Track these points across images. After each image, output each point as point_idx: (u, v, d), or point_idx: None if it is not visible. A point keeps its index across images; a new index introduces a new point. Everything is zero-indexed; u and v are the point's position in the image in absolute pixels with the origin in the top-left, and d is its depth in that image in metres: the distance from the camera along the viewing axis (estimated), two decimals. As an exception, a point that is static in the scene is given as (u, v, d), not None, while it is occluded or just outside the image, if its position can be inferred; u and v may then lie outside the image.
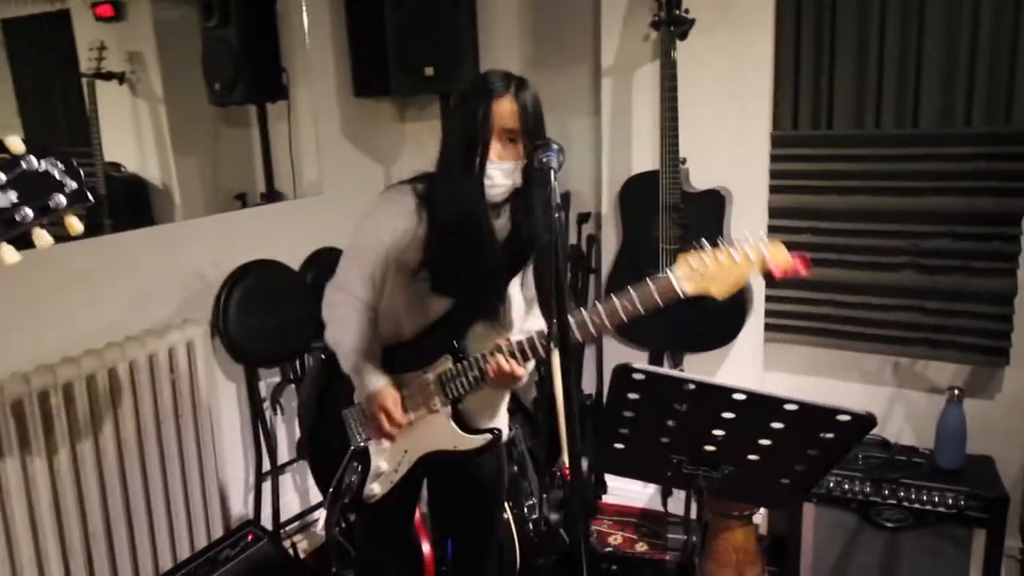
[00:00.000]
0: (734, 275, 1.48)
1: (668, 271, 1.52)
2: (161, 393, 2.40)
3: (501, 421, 1.93)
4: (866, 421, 1.23)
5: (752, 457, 1.34)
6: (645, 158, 2.85)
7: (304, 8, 3.04)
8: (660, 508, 3.09)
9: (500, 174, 1.64)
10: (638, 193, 2.80)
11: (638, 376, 1.23)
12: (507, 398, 1.96)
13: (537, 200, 1.60)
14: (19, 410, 2.05)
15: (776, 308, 2.85)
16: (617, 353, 3.04)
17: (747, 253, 1.46)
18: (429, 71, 2.88)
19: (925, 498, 2.41)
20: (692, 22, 2.60)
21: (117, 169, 3.12)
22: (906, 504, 2.43)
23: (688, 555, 1.39)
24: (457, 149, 1.65)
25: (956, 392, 2.47)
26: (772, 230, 2.79)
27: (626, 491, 3.18)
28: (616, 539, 3.05)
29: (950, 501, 2.38)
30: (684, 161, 2.70)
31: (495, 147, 1.62)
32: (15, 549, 2.08)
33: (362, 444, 1.85)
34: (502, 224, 1.73)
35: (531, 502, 2.70)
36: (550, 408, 3.08)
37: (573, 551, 1.25)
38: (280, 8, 3.07)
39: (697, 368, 2.89)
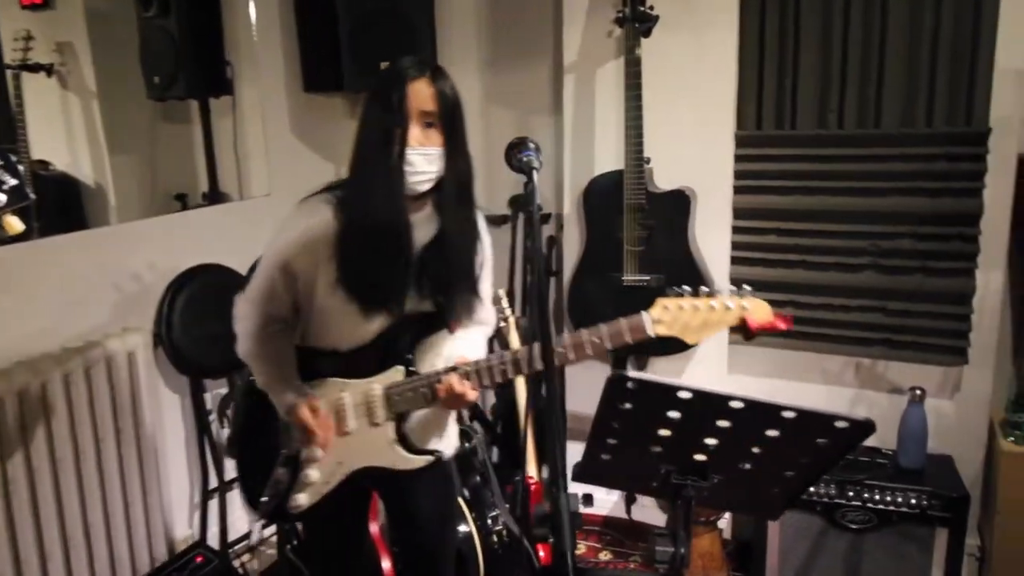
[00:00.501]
0: (709, 324, 1.47)
1: (643, 313, 1.50)
2: (100, 407, 2.24)
3: (447, 441, 1.83)
4: (864, 427, 1.20)
5: (744, 466, 1.29)
6: (608, 158, 2.79)
7: (251, -2, 2.90)
8: (624, 516, 3.05)
9: (422, 160, 1.55)
10: (601, 194, 2.74)
11: (632, 385, 1.17)
12: (453, 427, 1.86)
13: (449, 194, 1.58)
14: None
15: (740, 310, 2.83)
16: (580, 357, 2.97)
17: (726, 304, 1.45)
18: (384, 66, 2.76)
19: (888, 499, 2.41)
20: (656, 19, 2.56)
21: (45, 167, 2.91)
22: (870, 505, 2.43)
23: (677, 568, 1.34)
24: (373, 139, 1.56)
25: (917, 392, 2.48)
26: (736, 231, 2.78)
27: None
28: (580, 548, 2.99)
29: (913, 501, 2.39)
30: (648, 161, 2.65)
31: (414, 132, 1.53)
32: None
33: (295, 449, 1.73)
34: (427, 217, 1.64)
35: (494, 513, 2.63)
36: (512, 416, 3.02)
37: (558, 566, 1.18)
38: (224, -3, 2.92)
39: (662, 372, 2.85)
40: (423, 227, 1.63)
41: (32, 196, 0.96)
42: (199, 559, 2.15)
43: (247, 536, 2.86)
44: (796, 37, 2.58)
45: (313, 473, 1.72)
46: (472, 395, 1.58)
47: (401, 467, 1.69)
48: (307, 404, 1.65)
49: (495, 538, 2.58)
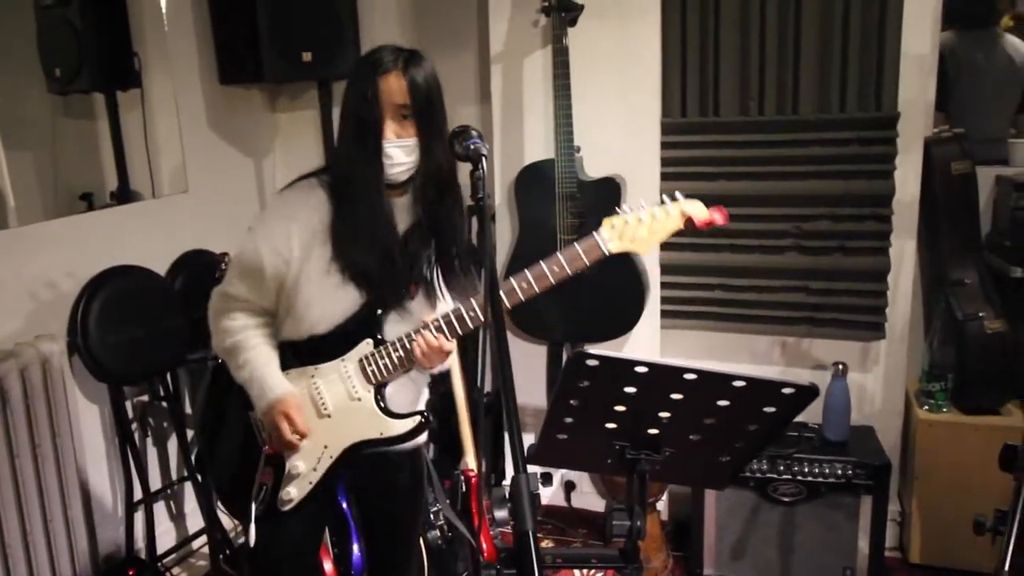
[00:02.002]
0: (657, 231, 1.54)
1: (593, 233, 1.55)
2: (14, 419, 2.09)
3: (424, 406, 1.84)
4: (807, 392, 1.25)
5: (694, 437, 1.33)
6: (538, 147, 2.80)
7: (160, -15, 2.77)
8: (564, 504, 3.07)
9: (400, 152, 1.57)
10: (533, 183, 2.75)
11: (592, 363, 1.18)
12: (426, 387, 1.86)
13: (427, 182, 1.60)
14: None
15: (671, 295, 2.89)
16: (517, 348, 2.98)
17: (667, 210, 1.53)
18: (307, 56, 2.69)
19: (816, 471, 2.51)
20: (582, 8, 2.58)
21: (-66, 167, 2.70)
22: (799, 478, 2.52)
23: (633, 540, 1.36)
24: (351, 131, 1.59)
25: (840, 367, 2.59)
26: (665, 217, 2.82)
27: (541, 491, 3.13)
28: (522, 538, 2.98)
29: (839, 472, 2.49)
30: (578, 149, 2.67)
31: (390, 125, 1.55)
32: None
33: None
34: (407, 203, 1.66)
35: (435, 508, 2.60)
36: (448, 410, 2.99)
37: (520, 546, 1.17)
38: (130, -16, 2.77)
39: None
40: (404, 213, 1.65)
41: None
42: (131, 573, 2.03)
43: (177, 548, 2.73)
44: (716, 27, 2.65)
45: (300, 464, 1.69)
46: (449, 345, 1.60)
47: (389, 434, 1.67)
48: (282, 412, 1.62)
49: (437, 533, 2.55)
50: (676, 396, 1.19)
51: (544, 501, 3.14)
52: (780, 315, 2.79)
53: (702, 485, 2.39)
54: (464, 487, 2.77)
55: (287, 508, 1.70)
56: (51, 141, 3.01)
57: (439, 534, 2.56)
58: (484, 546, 2.60)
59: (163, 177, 2.96)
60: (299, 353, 1.68)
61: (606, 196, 2.68)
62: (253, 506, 1.67)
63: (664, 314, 2.90)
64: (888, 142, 2.55)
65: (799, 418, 2.68)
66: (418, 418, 1.69)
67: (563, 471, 3.08)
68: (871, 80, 2.53)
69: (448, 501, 2.67)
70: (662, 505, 2.94)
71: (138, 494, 2.54)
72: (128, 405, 2.55)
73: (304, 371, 1.68)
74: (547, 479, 3.03)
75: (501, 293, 1.53)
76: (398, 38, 3.10)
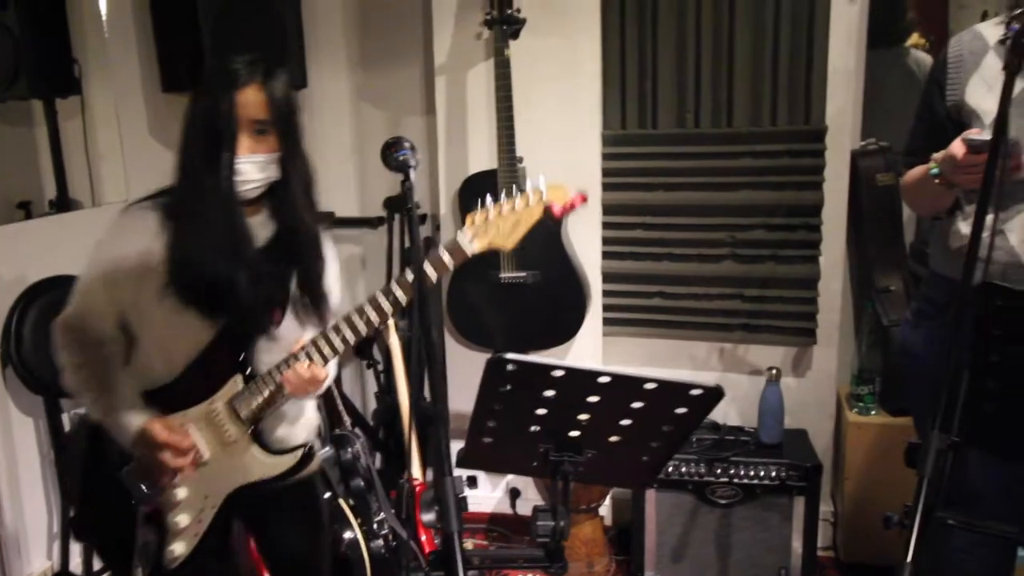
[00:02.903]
0: (520, 223, 1.48)
1: (457, 233, 1.50)
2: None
3: (309, 435, 1.75)
4: (714, 393, 1.31)
5: (613, 438, 1.37)
6: (482, 157, 2.84)
7: (100, -9, 2.74)
8: (509, 511, 3.09)
9: (252, 168, 1.51)
10: (476, 193, 2.76)
11: (510, 367, 1.22)
12: (312, 411, 1.80)
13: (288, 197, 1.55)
14: None
15: (612, 302, 2.95)
16: (460, 357, 3.01)
17: (527, 200, 1.47)
18: (240, 65, 2.68)
19: (752, 473, 2.57)
20: (523, 22, 2.62)
21: None
22: (736, 481, 2.58)
23: (557, 540, 1.40)
24: (200, 146, 1.50)
25: (774, 372, 2.67)
26: (606, 226, 2.89)
27: (474, 497, 3.15)
28: (467, 546, 3.01)
29: (773, 474, 2.56)
30: (521, 160, 2.72)
31: (244, 141, 1.49)
32: None
33: (153, 500, 1.60)
34: (263, 220, 1.60)
35: (380, 517, 2.61)
36: (393, 419, 3.01)
37: (446, 548, 1.21)
38: (70, -11, 2.75)
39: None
40: (259, 230, 1.59)
41: None
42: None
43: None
44: (654, 43, 2.73)
45: (182, 518, 1.61)
46: (322, 373, 1.53)
47: (272, 474, 1.61)
48: (156, 441, 1.52)
49: (381, 542, 2.56)
50: (593, 399, 1.24)
51: (489, 509, 3.16)
52: (717, 322, 2.87)
53: (625, 485, 2.44)
54: (409, 496, 2.79)
55: (174, 566, 1.61)
56: (-13, 148, 2.96)
57: (383, 543, 2.57)
58: (427, 553, 2.61)
59: (104, 185, 2.92)
60: (161, 401, 1.59)
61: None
62: (138, 570, 1.56)
63: (606, 321, 2.96)
64: (817, 154, 2.65)
65: (735, 422, 2.82)
66: (299, 452, 1.61)
67: (508, 478, 3.12)
68: (800, 95, 2.64)
69: (393, 511, 2.69)
70: (605, 510, 2.98)
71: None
72: (64, 418, 2.50)
73: (173, 418, 1.58)
74: (472, 482, 3.05)
75: (367, 309, 1.50)
76: (343, 48, 3.12)
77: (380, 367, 3.13)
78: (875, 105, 2.85)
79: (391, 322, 2.73)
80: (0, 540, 2.22)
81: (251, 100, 1.49)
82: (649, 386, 1.21)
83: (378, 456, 3.14)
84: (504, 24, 2.57)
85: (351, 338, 1.51)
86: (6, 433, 2.27)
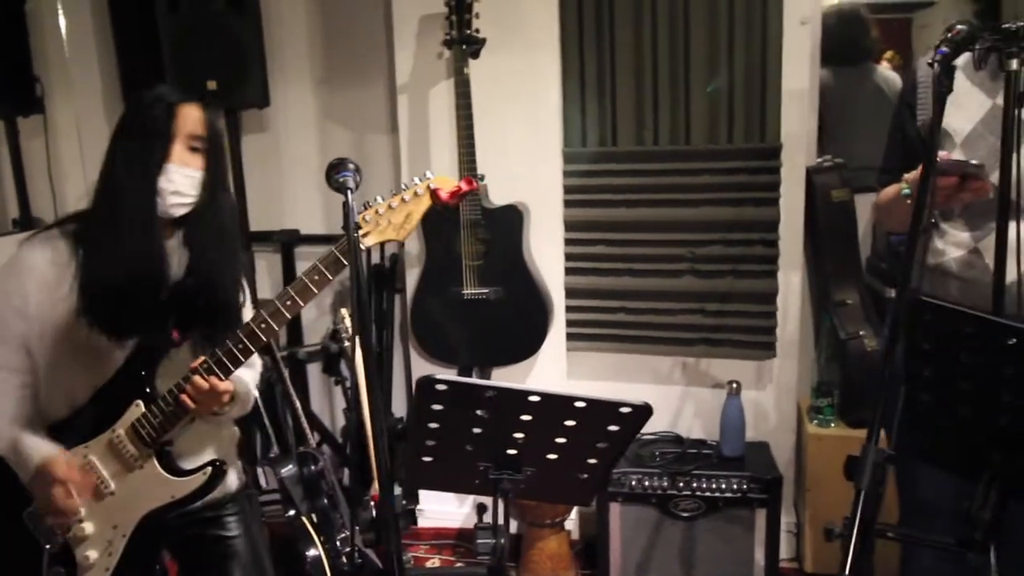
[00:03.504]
0: (411, 214, 1.51)
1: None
2: None
3: (222, 454, 1.70)
4: (643, 411, 1.33)
5: (551, 456, 1.39)
6: (444, 175, 2.85)
7: (60, 9, 2.74)
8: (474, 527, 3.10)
9: (184, 181, 1.50)
10: (439, 211, 2.78)
11: (441, 387, 1.24)
12: (230, 431, 1.78)
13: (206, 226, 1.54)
14: None
15: (576, 318, 2.97)
16: (425, 371, 3.00)
17: (415, 191, 1.50)
18: (212, 84, 2.70)
19: (714, 486, 2.59)
20: (483, 41, 2.66)
21: None
22: (699, 494, 2.60)
23: (497, 558, 1.41)
24: (128, 155, 1.49)
25: (734, 386, 2.70)
26: (568, 242, 2.92)
27: (441, 513, 3.15)
28: (434, 563, 3.00)
29: (735, 486, 2.58)
30: (483, 178, 2.74)
31: (178, 151, 1.49)
32: None
33: (59, 541, 1.56)
34: (176, 246, 1.58)
35: (343, 535, 2.60)
36: (359, 436, 3.00)
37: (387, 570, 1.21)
38: (30, 8, 2.74)
39: (506, 380, 2.93)
40: (174, 256, 1.57)
41: None
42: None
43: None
44: (613, 62, 2.76)
45: (91, 553, 1.56)
46: (223, 385, 1.49)
47: (181, 495, 1.56)
48: (52, 478, 1.49)
49: (344, 560, 2.55)
50: (525, 417, 1.26)
51: (457, 525, 3.16)
52: (679, 336, 2.89)
53: (567, 502, 2.45)
54: (374, 512, 2.78)
55: None
56: (-52, 167, 2.95)
57: (346, 561, 2.56)
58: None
59: (66, 203, 2.92)
60: (64, 432, 1.57)
61: (509, 222, 2.76)
62: None
63: (570, 336, 2.98)
64: (772, 171, 2.69)
65: (698, 435, 2.84)
66: (208, 470, 1.56)
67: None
68: (756, 113, 2.68)
69: (357, 527, 2.68)
70: (572, 524, 2.99)
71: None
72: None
73: (76, 450, 1.56)
74: (414, 498, 3.04)
75: (265, 313, 1.49)
76: (307, 67, 3.14)
77: (348, 383, 3.13)
78: (843, 121, 2.91)
79: (354, 338, 2.74)
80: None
81: (191, 114, 1.51)
82: (579, 404, 1.23)
83: (346, 473, 3.13)
84: (464, 44, 2.61)
85: (251, 347, 1.49)
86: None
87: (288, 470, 2.63)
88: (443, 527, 3.15)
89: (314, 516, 2.59)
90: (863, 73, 2.96)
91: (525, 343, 2.84)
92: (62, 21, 2.76)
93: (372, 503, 2.77)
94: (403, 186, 1.51)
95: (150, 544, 1.65)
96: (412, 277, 2.96)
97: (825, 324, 2.75)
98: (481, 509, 3.11)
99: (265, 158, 3.18)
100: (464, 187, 1.50)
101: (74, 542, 1.57)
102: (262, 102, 2.92)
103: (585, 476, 1.39)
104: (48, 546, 1.55)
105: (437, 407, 1.24)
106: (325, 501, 2.65)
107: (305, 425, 2.80)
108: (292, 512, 2.56)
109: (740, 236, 2.77)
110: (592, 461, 1.36)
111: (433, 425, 1.28)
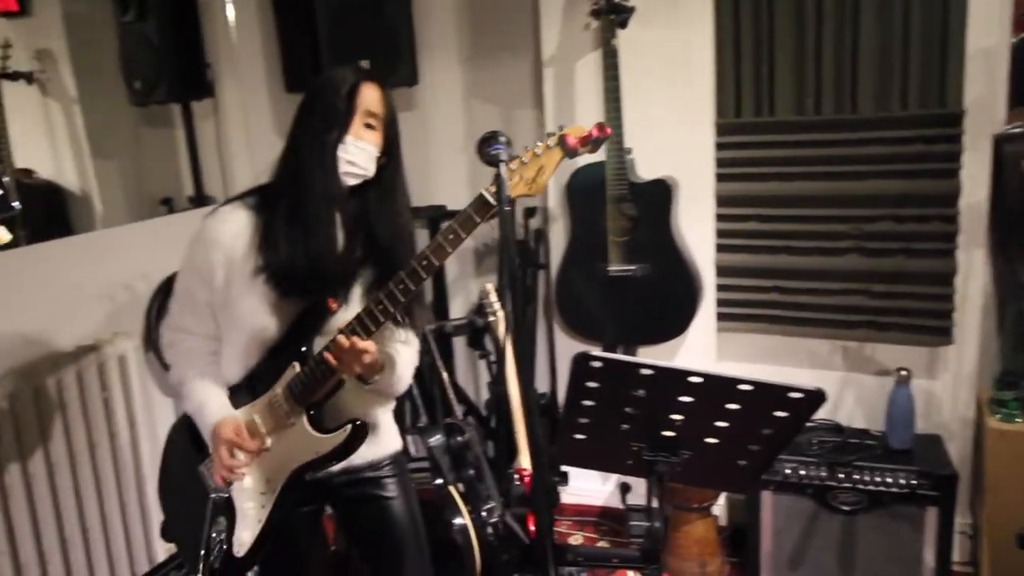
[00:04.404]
0: (545, 167, 1.49)
1: (482, 190, 1.48)
2: (93, 412, 2.25)
3: (379, 420, 1.78)
4: (816, 397, 1.24)
5: (710, 440, 1.33)
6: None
7: (228, -1, 2.91)
8: (620, 506, 3.06)
9: (360, 154, 1.58)
10: (585, 186, 2.76)
11: (596, 364, 1.20)
12: (386, 406, 1.82)
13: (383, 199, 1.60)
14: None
15: (727, 297, 2.85)
16: (569, 350, 2.99)
17: (547, 144, 1.49)
18: (365, 64, 2.77)
19: (879, 479, 2.43)
20: (632, 10, 2.57)
21: (29, 176, 2.92)
22: (860, 487, 2.45)
23: (652, 541, 1.36)
24: (311, 129, 1.57)
25: (903, 373, 2.50)
26: (719, 218, 2.80)
27: (585, 490, 3.14)
28: (577, 539, 3.00)
29: (902, 481, 2.40)
30: (630, 151, 2.67)
31: (356, 126, 1.57)
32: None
33: (224, 494, 1.65)
34: (351, 218, 1.65)
35: (490, 506, 2.64)
36: (503, 409, 3.03)
37: (536, 546, 1.20)
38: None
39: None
40: (349, 227, 1.64)
41: (17, 206, 0.98)
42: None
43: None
44: (771, 24, 2.60)
45: (248, 504, 1.66)
46: (362, 344, 1.52)
47: (324, 450, 1.62)
48: (221, 439, 1.60)
49: (490, 530, 2.59)
50: (685, 399, 1.20)
51: (600, 503, 3.14)
52: (840, 319, 2.71)
53: (724, 488, 2.35)
54: (519, 486, 2.81)
55: (242, 553, 1.65)
56: (134, 149, 3.21)
57: (492, 531, 2.60)
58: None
59: (235, 181, 3.11)
60: (244, 393, 1.67)
61: (657, 197, 2.67)
62: (202, 557, 1.57)
63: (720, 316, 2.86)
64: (953, 140, 2.44)
65: (859, 424, 2.67)
66: (349, 428, 1.60)
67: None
68: (934, 76, 2.43)
69: (502, 499, 2.72)
70: (719, 510, 2.90)
71: (207, 484, 2.67)
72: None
73: (244, 411, 1.67)
74: (563, 478, 3.02)
75: (402, 275, 1.50)
76: (454, 44, 3.16)
77: (492, 358, 3.17)
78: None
79: (500, 314, 2.75)
80: (144, 512, 2.41)
81: (371, 93, 1.58)
82: (744, 387, 1.16)
83: (490, 445, 3.18)
84: (612, 13, 2.53)
85: (390, 307, 1.52)
86: (149, 415, 2.46)
87: (437, 440, 2.69)
88: (586, 504, 3.14)
89: (460, 486, 2.64)
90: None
91: (673, 322, 2.76)
92: (230, 9, 2.93)
93: (516, 477, 2.79)
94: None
95: (307, 502, 1.74)
96: (556, 252, 2.94)
97: (1011, 309, 2.48)
98: (624, 488, 3.07)
99: (412, 135, 3.21)
100: (595, 132, 1.45)
101: (237, 495, 1.68)
102: (411, 80, 2.98)
103: (744, 463, 1.32)
104: (214, 496, 1.63)
105: (592, 384, 1.20)
106: (471, 472, 2.69)
107: (452, 397, 2.86)
108: (439, 481, 2.62)
109: (913, 211, 2.54)
110: (754, 448, 1.28)
111: (587, 403, 1.25)
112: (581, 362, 1.18)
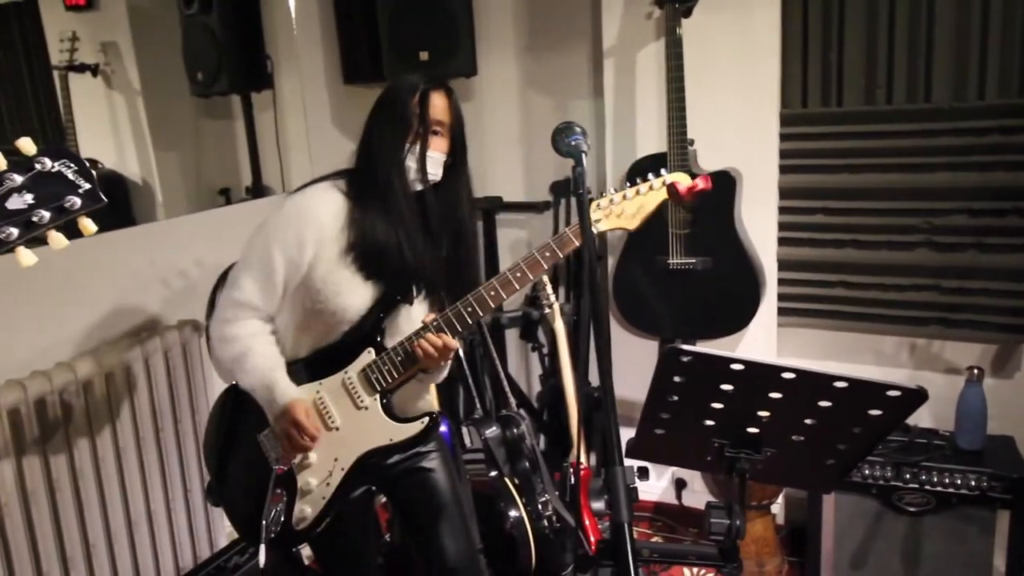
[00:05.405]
0: (644, 206, 1.59)
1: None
2: (159, 398, 2.29)
3: (434, 407, 1.88)
4: (916, 396, 1.20)
5: (796, 438, 1.29)
6: (650, 140, 2.77)
7: (290, -10, 2.93)
8: (674, 501, 3.03)
9: (429, 162, 1.65)
10: (645, 177, 2.71)
11: (686, 359, 1.18)
12: (432, 393, 1.90)
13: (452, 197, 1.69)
14: (15, 417, 1.93)
15: (788, 292, 2.79)
16: (626, 343, 2.97)
17: (651, 185, 1.58)
18: (424, 55, 2.78)
19: (947, 481, 2.36)
20: (697, -1, 2.52)
21: (95, 166, 2.97)
22: (928, 488, 2.38)
23: (732, 539, 1.33)
24: (390, 131, 1.65)
25: (976, 372, 2.42)
26: (783, 211, 2.74)
27: (639, 485, 3.10)
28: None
29: (972, 483, 2.33)
30: (692, 142, 2.62)
31: (426, 135, 1.64)
32: (15, 561, 1.95)
33: (285, 467, 1.69)
34: (421, 215, 1.72)
35: (544, 498, 2.63)
36: (557, 402, 3.02)
37: (616, 539, 1.18)
38: (263, -9, 2.95)
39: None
40: (423, 224, 1.71)
41: (105, 200, 1.01)
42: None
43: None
44: (841, 11, 2.53)
45: (312, 480, 1.69)
46: (453, 343, 1.60)
47: (399, 439, 1.68)
48: (291, 420, 1.62)
49: (545, 523, 2.58)
50: (775, 395, 1.17)
51: (654, 498, 3.11)
52: (908, 315, 2.64)
53: (806, 488, 2.30)
54: (573, 479, 2.79)
55: (302, 527, 1.68)
56: (194, 140, 3.26)
57: (547, 524, 2.59)
58: (592, 538, 2.61)
59: (292, 173, 3.13)
60: (303, 371, 1.70)
61: (720, 189, 2.62)
62: (263, 527, 1.64)
63: (781, 311, 2.80)
64: (1033, 130, 2.36)
65: (928, 424, 2.59)
66: (426, 420, 1.68)
67: (673, 469, 3.05)
68: (1014, 65, 2.35)
69: (557, 492, 2.70)
70: (778, 508, 2.84)
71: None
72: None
73: (309, 387, 1.69)
74: (644, 473, 2.99)
75: (496, 283, 1.60)
76: (512, 35, 3.14)
77: (545, 350, 3.15)
78: None
79: (556, 306, 2.73)
80: (212, 509, 2.44)
81: (439, 102, 1.66)
82: (839, 385, 1.12)
83: (542, 438, 3.17)
84: (676, 2, 2.48)
85: (480, 311, 1.60)
86: (209, 403, 2.48)
87: (492, 431, 2.69)
88: (641, 499, 3.11)
89: (515, 478, 2.63)
90: None
91: (733, 316, 2.70)
92: (291, 2, 2.95)
93: (571, 470, 2.77)
94: (636, 180, 1.60)
95: (365, 483, 1.77)
96: (615, 245, 2.91)
97: (1092, 306, 2.39)
98: (680, 484, 3.04)
99: (469, 126, 3.21)
100: (701, 184, 1.54)
101: (298, 468, 1.71)
102: (470, 71, 2.97)
103: (831, 462, 1.28)
104: (276, 467, 1.69)
105: (678, 379, 1.18)
106: (526, 464, 2.68)
107: (507, 389, 2.85)
108: (495, 472, 2.62)
109: (988, 204, 2.46)
110: (842, 447, 1.24)
111: (672, 398, 1.22)
112: (670, 356, 1.16)
